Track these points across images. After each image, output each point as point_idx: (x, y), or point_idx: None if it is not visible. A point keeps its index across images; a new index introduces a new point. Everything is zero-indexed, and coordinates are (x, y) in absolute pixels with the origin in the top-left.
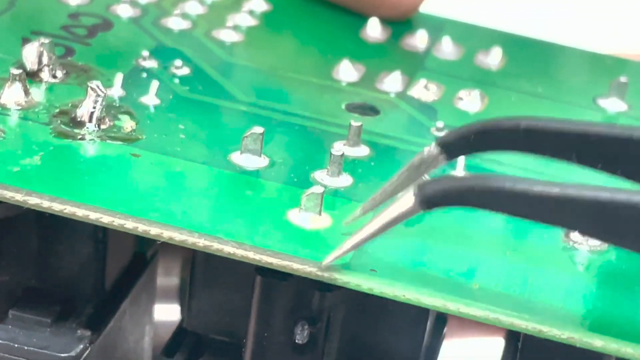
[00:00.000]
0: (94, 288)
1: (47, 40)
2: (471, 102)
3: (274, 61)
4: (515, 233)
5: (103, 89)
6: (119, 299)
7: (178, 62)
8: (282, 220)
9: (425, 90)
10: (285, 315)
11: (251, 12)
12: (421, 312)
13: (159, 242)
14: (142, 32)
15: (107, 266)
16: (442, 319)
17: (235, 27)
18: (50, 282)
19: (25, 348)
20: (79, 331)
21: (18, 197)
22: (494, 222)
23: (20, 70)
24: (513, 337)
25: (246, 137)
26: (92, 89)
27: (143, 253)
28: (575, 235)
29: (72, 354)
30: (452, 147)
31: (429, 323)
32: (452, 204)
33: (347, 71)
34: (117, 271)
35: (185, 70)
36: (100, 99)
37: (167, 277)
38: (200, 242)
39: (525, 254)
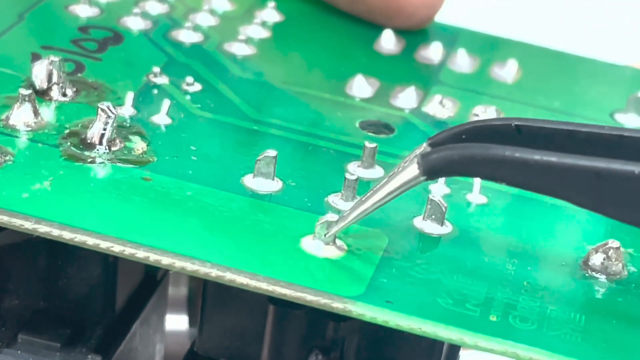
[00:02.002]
0: (103, 310)
1: (57, 59)
2: None
3: (286, 76)
4: (532, 263)
5: (113, 110)
6: (129, 321)
7: (189, 78)
8: (295, 248)
9: (440, 107)
10: (299, 344)
11: (263, 24)
12: (437, 342)
13: None
14: (153, 46)
15: (117, 288)
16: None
17: (247, 40)
18: (60, 305)
19: None
20: (89, 356)
21: (27, 225)
22: (512, 251)
23: (30, 91)
24: None
25: (259, 160)
26: (103, 110)
27: (154, 273)
28: (593, 263)
29: None
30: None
31: (444, 349)
32: (454, 173)
33: (360, 86)
34: (127, 292)
35: (196, 87)
36: (110, 121)
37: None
38: (212, 272)
39: (543, 284)
